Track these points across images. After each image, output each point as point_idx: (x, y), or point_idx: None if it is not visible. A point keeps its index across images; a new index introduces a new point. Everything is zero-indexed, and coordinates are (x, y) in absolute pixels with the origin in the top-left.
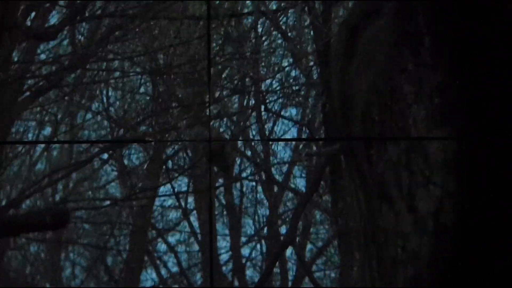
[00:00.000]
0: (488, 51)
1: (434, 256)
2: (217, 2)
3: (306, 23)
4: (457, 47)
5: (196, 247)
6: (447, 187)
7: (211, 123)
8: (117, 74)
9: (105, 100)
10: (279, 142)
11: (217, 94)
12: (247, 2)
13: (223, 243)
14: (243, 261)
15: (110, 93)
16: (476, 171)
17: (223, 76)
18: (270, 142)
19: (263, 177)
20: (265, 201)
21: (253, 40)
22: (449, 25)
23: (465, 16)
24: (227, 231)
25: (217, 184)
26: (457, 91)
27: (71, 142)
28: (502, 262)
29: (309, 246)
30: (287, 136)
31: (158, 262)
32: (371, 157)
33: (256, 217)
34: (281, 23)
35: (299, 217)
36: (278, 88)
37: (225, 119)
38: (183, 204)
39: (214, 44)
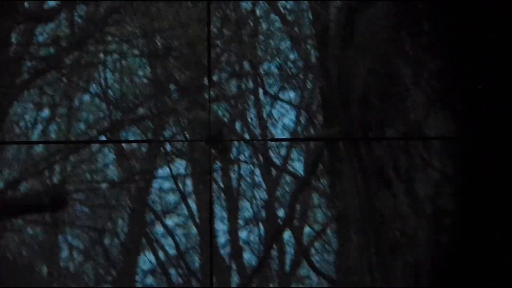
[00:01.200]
0: (487, 34)
1: (432, 239)
2: None
3: (305, 6)
4: (455, 30)
5: (194, 230)
6: (446, 171)
7: (209, 106)
8: (115, 56)
9: (103, 82)
10: (278, 125)
11: (215, 77)
12: None
13: (220, 226)
14: (241, 244)
15: (108, 76)
16: (474, 155)
17: (221, 59)
18: (268, 124)
19: (261, 160)
20: (263, 184)
21: (252, 23)
22: (448, 8)
23: (464, 0)
24: (224, 214)
25: (214, 167)
26: (456, 75)
27: (66, 142)
28: (500, 246)
29: (307, 229)
30: (285, 120)
31: (156, 245)
32: (370, 140)
33: (254, 200)
34: (279, 6)
35: (297, 200)
36: (276, 71)
37: (223, 102)
38: (181, 187)
39: (212, 27)
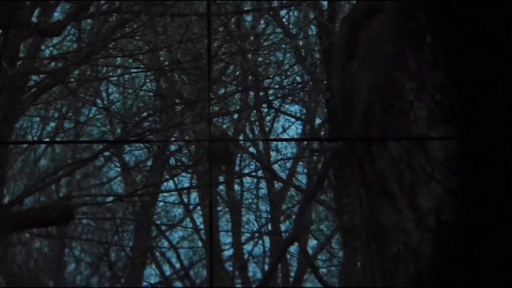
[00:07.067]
0: (489, 48)
1: (435, 253)
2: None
3: (310, 19)
4: (458, 44)
5: (199, 243)
6: (448, 184)
7: (214, 120)
8: (120, 71)
9: (108, 96)
10: (282, 137)
11: (220, 91)
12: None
13: (226, 239)
14: (246, 257)
15: (113, 90)
16: (477, 168)
17: (226, 73)
18: (272, 137)
19: (267, 173)
20: (268, 198)
21: (256, 37)
22: (450, 22)
23: (466, 13)
24: (230, 227)
25: (220, 181)
26: (458, 88)
27: (73, 142)
28: (503, 258)
29: (312, 242)
30: (290, 133)
31: (161, 258)
32: (372, 154)
33: (259, 213)
34: (283, 19)
35: (304, 214)
36: (280, 85)
37: (227, 116)
38: (186, 200)
39: (217, 41)
